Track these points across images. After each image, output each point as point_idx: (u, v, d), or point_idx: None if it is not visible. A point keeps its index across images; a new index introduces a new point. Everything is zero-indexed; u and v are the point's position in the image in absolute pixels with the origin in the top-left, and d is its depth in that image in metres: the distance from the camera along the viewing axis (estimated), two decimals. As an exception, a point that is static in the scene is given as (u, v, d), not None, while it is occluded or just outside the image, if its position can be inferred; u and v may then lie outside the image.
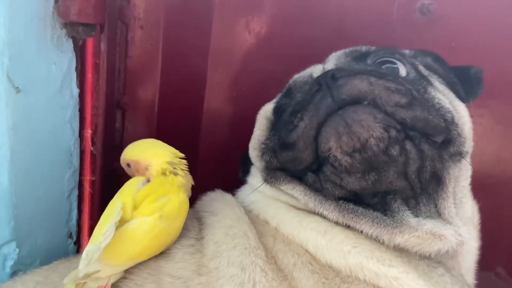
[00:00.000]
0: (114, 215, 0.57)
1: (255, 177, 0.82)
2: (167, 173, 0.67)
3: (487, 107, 1.07)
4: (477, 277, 0.83)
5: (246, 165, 0.87)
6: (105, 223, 0.58)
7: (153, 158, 0.68)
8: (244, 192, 0.83)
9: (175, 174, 0.68)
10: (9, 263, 0.77)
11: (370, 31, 0.98)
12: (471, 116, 1.09)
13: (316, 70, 0.78)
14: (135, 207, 0.62)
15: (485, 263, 1.22)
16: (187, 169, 0.71)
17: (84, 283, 0.55)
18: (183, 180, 0.68)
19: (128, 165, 0.71)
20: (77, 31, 0.70)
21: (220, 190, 0.83)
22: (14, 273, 0.77)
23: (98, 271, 0.55)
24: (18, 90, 0.67)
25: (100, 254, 0.54)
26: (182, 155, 0.72)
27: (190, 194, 0.71)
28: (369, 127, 0.59)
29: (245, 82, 1.01)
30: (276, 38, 0.99)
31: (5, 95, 0.66)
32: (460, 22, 1.02)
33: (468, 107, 0.75)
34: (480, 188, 1.15)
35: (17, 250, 0.76)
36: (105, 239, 0.54)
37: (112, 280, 0.58)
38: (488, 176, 1.14)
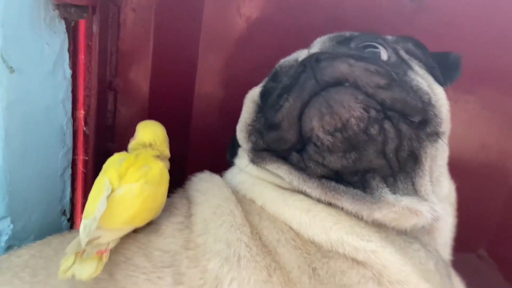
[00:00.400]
0: (104, 190, 0.60)
1: (242, 159, 0.85)
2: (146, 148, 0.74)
3: (473, 93, 1.10)
4: (459, 259, 0.87)
5: (233, 147, 0.90)
6: (96, 199, 0.61)
7: (137, 134, 0.76)
8: (231, 173, 0.86)
9: (153, 149, 0.75)
10: (4, 238, 0.79)
11: (361, 18, 1.00)
12: (457, 102, 1.13)
13: (301, 54, 0.80)
14: (120, 177, 0.65)
15: (467, 245, 1.27)
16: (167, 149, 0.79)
17: (84, 250, 0.58)
18: (158, 153, 0.75)
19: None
20: (69, 12, 0.72)
21: (209, 171, 0.86)
22: (8, 248, 0.80)
23: (99, 237, 0.58)
24: (12, 70, 0.68)
25: (97, 224, 0.57)
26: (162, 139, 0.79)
27: (168, 166, 0.77)
28: (350, 107, 0.61)
29: (236, 66, 1.03)
30: (268, 23, 1.01)
31: (-1, 75, 0.67)
32: (448, 10, 1.04)
33: (446, 91, 0.78)
34: (465, 172, 1.19)
35: (12, 225, 0.78)
36: (99, 211, 0.58)
37: (110, 246, 0.61)
38: (473, 161, 1.18)
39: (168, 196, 0.83)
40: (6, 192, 0.74)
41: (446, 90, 0.77)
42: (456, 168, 1.14)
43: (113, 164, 0.68)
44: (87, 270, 0.57)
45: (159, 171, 0.70)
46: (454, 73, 0.83)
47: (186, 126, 1.06)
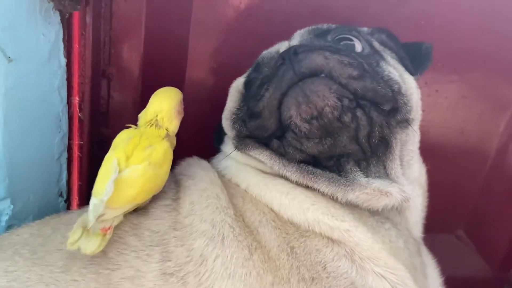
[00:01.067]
0: (112, 171, 0.64)
1: (227, 145, 0.89)
2: (152, 125, 0.75)
3: (453, 82, 1.14)
4: (438, 239, 0.93)
5: (219, 134, 0.94)
6: (105, 178, 0.64)
7: (147, 106, 0.77)
8: (218, 159, 0.90)
9: (158, 127, 0.75)
10: (4, 218, 0.83)
11: (346, 8, 1.03)
12: (438, 90, 1.17)
13: (282, 46, 0.84)
14: (127, 158, 0.67)
15: (446, 226, 1.33)
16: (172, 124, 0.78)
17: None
18: (163, 133, 0.75)
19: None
20: (63, 4, 0.75)
21: (197, 157, 0.90)
22: (9, 227, 0.84)
23: (103, 214, 0.63)
24: (9, 59, 0.72)
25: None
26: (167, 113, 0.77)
27: (174, 143, 0.78)
28: (324, 97, 0.66)
29: (224, 54, 1.06)
30: (255, 13, 1.04)
31: (-3, 64, 0.71)
32: (431, 1, 1.07)
33: (417, 80, 0.83)
34: (445, 157, 1.25)
35: (12, 206, 0.82)
36: (106, 194, 0.62)
37: (114, 223, 0.66)
38: (453, 146, 1.23)
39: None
40: (6, 174, 0.78)
41: (417, 80, 0.82)
42: (437, 152, 1.20)
43: (121, 142, 0.70)
44: (92, 245, 0.62)
45: (163, 152, 0.72)
46: (426, 62, 0.87)
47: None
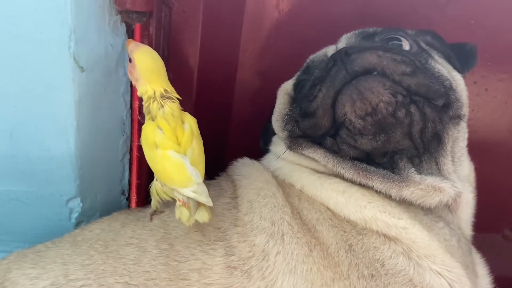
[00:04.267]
0: (181, 161, 0.69)
1: (277, 146, 0.92)
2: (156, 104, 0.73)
3: (503, 81, 1.13)
4: (485, 239, 0.93)
5: (266, 135, 0.97)
6: (180, 170, 0.68)
7: (141, 80, 0.75)
8: (267, 160, 0.93)
9: (164, 98, 0.73)
10: (74, 215, 0.90)
11: (393, 11, 1.04)
12: (487, 89, 1.17)
13: (330, 50, 0.87)
14: (179, 144, 0.71)
15: (492, 226, 1.32)
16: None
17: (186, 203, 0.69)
18: (174, 106, 0.73)
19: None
20: (131, 18, 0.80)
21: (248, 158, 0.94)
22: (78, 223, 0.91)
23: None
24: (82, 69, 0.78)
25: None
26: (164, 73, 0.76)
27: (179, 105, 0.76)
28: (379, 93, 0.68)
29: (272, 58, 1.10)
30: (301, 17, 1.06)
31: (72, 73, 0.77)
32: (479, 0, 1.07)
33: (464, 78, 0.84)
34: (493, 156, 1.24)
35: (81, 204, 0.88)
36: (197, 177, 0.68)
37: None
38: (501, 145, 1.22)
39: (214, 179, 0.93)
40: (77, 175, 0.85)
41: (464, 78, 0.83)
42: (485, 151, 1.19)
43: (158, 137, 0.71)
44: (204, 215, 0.69)
45: (195, 123, 0.75)
46: (472, 61, 0.89)
47: (227, 116, 1.15)
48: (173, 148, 0.70)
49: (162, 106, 0.72)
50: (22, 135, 0.80)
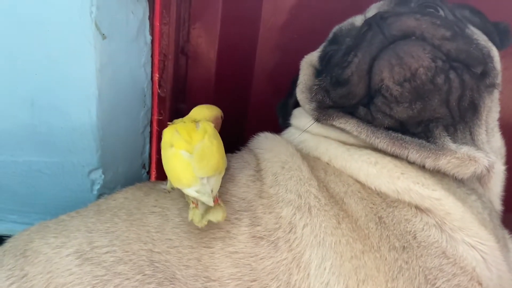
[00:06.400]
0: (189, 162, 0.69)
1: (301, 119, 0.89)
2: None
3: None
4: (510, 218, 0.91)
5: (284, 111, 0.95)
6: (185, 170, 0.69)
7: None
8: (289, 134, 0.91)
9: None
10: (96, 186, 0.89)
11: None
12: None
13: (357, 19, 0.84)
14: (190, 143, 0.71)
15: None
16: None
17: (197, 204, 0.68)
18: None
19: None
20: (153, -17, 0.78)
21: (269, 132, 0.91)
22: (100, 195, 0.90)
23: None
24: (104, 36, 0.76)
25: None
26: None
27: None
28: (419, 58, 0.65)
29: (294, 32, 1.07)
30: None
31: (93, 40, 0.75)
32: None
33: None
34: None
35: (103, 176, 0.88)
36: (203, 178, 0.68)
37: (214, 194, 0.69)
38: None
39: (235, 153, 0.91)
40: (99, 146, 0.84)
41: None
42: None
43: (173, 137, 0.73)
44: (218, 214, 0.67)
45: (211, 126, 0.76)
46: (505, 40, 0.85)
47: (247, 88, 1.13)
48: (185, 148, 0.71)
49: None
50: (43, 104, 0.79)
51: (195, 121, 0.77)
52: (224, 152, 0.76)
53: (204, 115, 0.81)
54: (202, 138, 0.73)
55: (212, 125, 0.77)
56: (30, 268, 0.67)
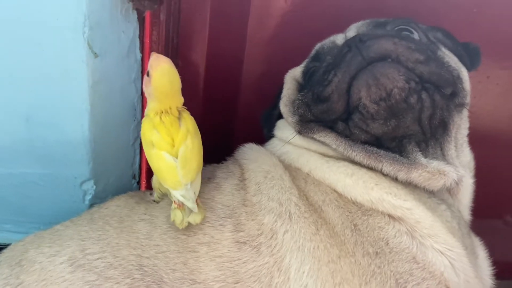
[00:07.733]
0: (173, 165, 0.71)
1: (284, 131, 0.93)
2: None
3: (505, 69, 1.15)
4: (486, 225, 0.95)
5: (268, 122, 1.00)
6: (172, 172, 0.71)
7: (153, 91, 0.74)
8: (273, 145, 0.95)
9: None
10: (88, 197, 0.93)
11: (399, 4, 1.06)
12: (488, 77, 1.19)
13: (338, 38, 0.89)
14: (173, 145, 0.72)
15: (494, 211, 1.34)
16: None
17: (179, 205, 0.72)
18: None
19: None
20: (142, 4, 0.82)
21: (254, 143, 0.95)
22: (91, 205, 0.93)
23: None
24: (96, 55, 0.80)
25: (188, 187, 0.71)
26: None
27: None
28: (394, 79, 0.71)
29: (278, 47, 1.12)
30: (308, 7, 1.08)
31: (86, 59, 0.79)
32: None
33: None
34: (495, 143, 1.26)
35: (95, 186, 0.91)
36: (186, 182, 0.71)
37: (196, 194, 0.72)
38: (503, 132, 1.24)
39: (221, 163, 0.95)
40: (90, 158, 0.87)
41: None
42: (487, 138, 1.21)
43: (154, 136, 0.72)
44: (198, 216, 0.71)
45: (192, 121, 0.75)
46: (476, 61, 0.91)
47: (234, 101, 1.17)
48: (167, 150, 0.71)
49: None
50: (38, 120, 0.83)
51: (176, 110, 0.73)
52: (202, 147, 0.76)
53: (180, 98, 0.76)
54: (184, 139, 0.72)
55: (191, 117, 0.76)
56: (26, 277, 0.71)
